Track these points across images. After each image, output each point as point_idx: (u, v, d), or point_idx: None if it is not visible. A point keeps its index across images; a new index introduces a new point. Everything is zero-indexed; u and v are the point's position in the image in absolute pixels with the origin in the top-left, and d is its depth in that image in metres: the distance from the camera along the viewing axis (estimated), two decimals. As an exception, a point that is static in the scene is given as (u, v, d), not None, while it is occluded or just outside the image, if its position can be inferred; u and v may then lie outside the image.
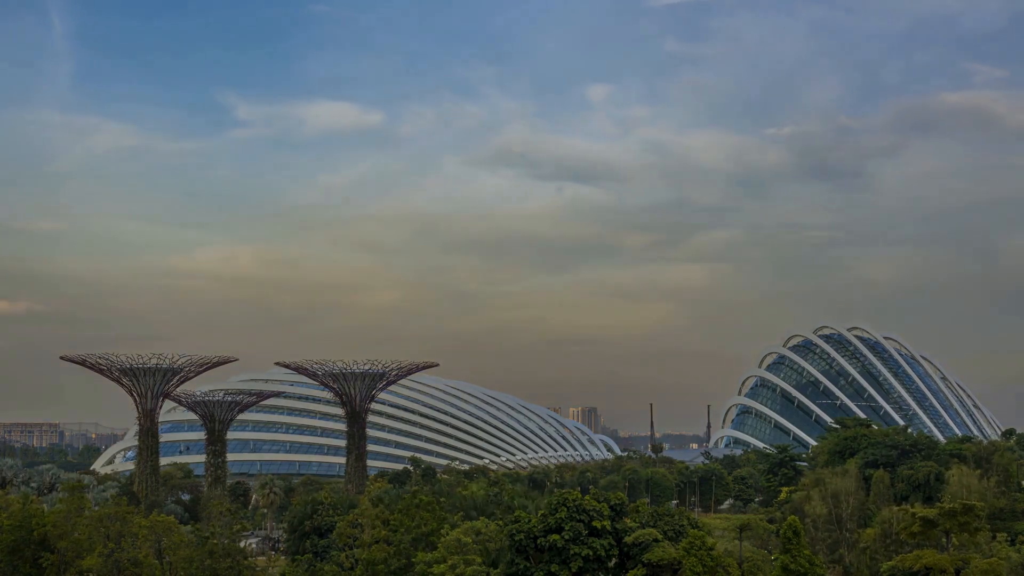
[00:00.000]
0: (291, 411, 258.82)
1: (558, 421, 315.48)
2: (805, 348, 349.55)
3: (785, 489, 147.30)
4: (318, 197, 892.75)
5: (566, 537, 77.21)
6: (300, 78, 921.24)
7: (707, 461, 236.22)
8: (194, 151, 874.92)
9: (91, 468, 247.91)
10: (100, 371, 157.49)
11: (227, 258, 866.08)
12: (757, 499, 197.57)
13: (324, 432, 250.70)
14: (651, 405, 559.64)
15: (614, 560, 79.75)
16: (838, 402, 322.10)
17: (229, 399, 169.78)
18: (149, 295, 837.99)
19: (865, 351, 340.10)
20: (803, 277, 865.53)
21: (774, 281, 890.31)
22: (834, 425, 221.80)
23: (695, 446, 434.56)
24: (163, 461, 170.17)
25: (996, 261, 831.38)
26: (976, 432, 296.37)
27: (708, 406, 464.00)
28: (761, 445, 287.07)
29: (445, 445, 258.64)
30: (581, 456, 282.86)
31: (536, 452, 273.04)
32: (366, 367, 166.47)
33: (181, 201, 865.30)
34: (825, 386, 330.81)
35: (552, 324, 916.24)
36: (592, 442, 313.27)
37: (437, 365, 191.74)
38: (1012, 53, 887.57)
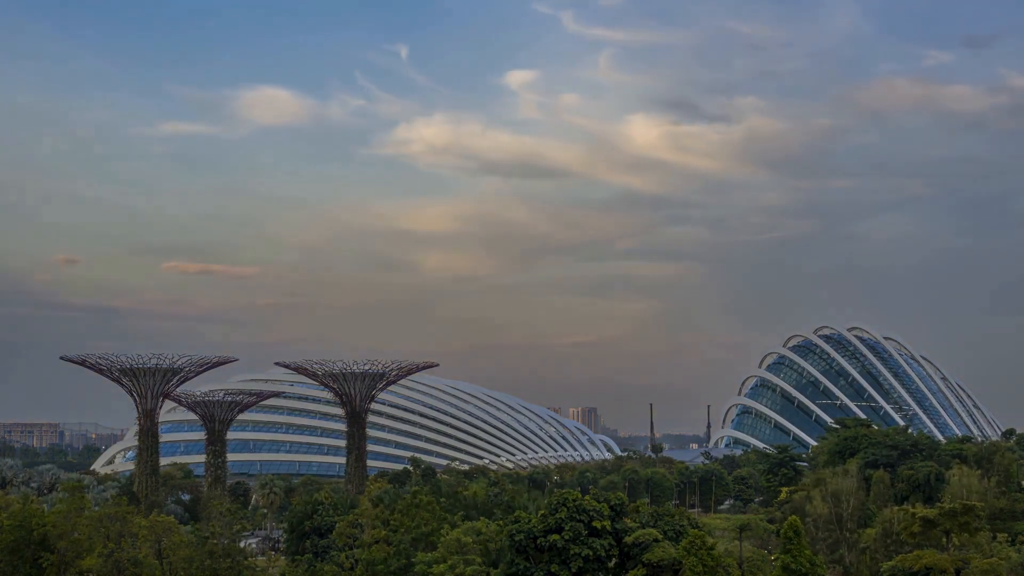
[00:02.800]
0: (291, 411, 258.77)
1: (558, 421, 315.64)
2: (805, 348, 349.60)
3: (785, 489, 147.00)
4: (253, 189, 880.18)
5: (566, 537, 77.17)
6: (222, 66, 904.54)
7: (707, 461, 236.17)
8: (125, 143, 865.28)
9: (91, 468, 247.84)
10: (100, 371, 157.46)
11: (161, 253, 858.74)
12: (757, 499, 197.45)
13: (324, 432, 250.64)
14: (651, 405, 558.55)
15: (614, 560, 79.70)
16: (838, 402, 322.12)
17: (229, 399, 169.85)
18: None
19: (865, 351, 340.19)
20: (769, 274, 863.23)
21: (741, 278, 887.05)
22: (834, 425, 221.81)
23: (695, 446, 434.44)
24: (163, 461, 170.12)
25: (957, 248, 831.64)
26: (976, 432, 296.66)
27: (708, 406, 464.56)
28: (761, 445, 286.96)
29: (445, 445, 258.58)
30: (581, 456, 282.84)
31: (536, 452, 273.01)
32: (366, 367, 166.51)
33: (103, 193, 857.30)
34: (825, 386, 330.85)
35: (525, 321, 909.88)
36: (592, 442, 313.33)
37: (437, 365, 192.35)
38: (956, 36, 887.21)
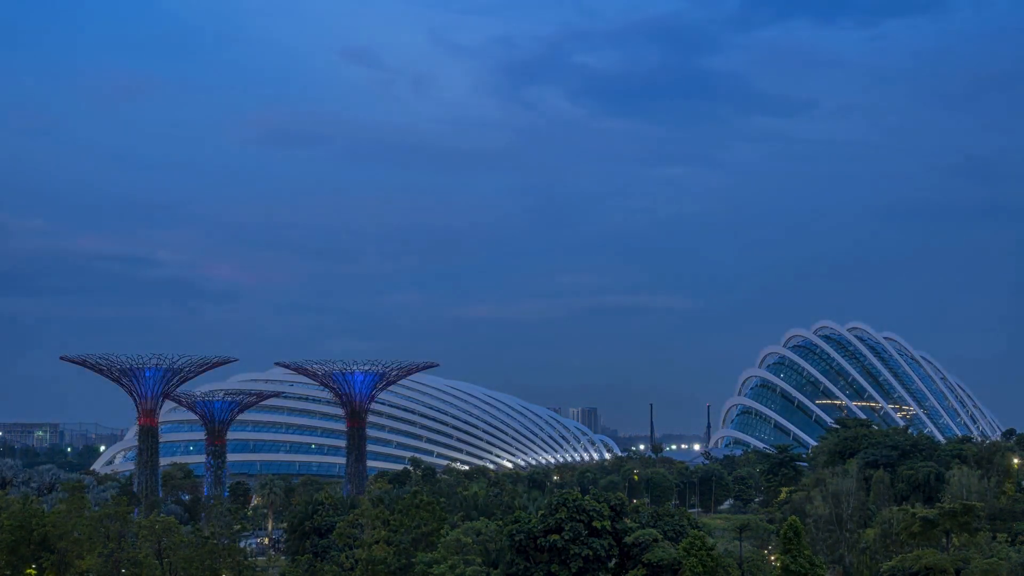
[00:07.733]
0: (291, 411, 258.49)
1: (558, 421, 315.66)
2: (805, 348, 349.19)
3: (785, 489, 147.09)
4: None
5: (566, 537, 77.16)
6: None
7: (707, 461, 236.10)
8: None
9: (91, 468, 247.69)
10: (100, 371, 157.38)
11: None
12: (757, 499, 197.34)
13: (324, 432, 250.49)
14: (651, 405, 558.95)
15: (614, 560, 79.70)
16: (838, 402, 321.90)
17: (229, 399, 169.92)
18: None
19: (865, 351, 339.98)
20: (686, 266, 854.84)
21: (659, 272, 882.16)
22: (834, 425, 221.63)
23: (697, 446, 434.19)
24: (163, 461, 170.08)
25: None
26: (976, 432, 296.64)
27: (708, 406, 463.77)
28: (761, 445, 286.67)
29: (445, 445, 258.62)
30: (581, 456, 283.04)
31: (536, 453, 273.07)
32: (366, 367, 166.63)
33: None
34: (825, 386, 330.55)
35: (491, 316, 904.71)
36: (592, 442, 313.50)
37: (437, 365, 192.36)
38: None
